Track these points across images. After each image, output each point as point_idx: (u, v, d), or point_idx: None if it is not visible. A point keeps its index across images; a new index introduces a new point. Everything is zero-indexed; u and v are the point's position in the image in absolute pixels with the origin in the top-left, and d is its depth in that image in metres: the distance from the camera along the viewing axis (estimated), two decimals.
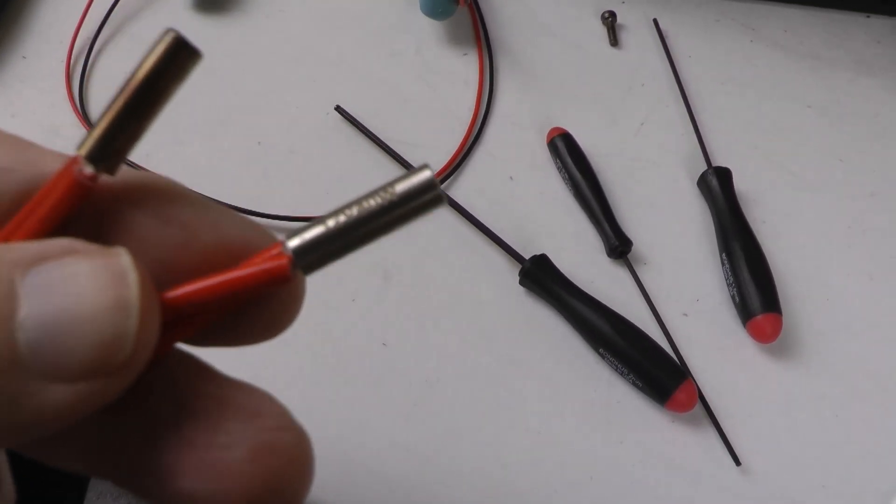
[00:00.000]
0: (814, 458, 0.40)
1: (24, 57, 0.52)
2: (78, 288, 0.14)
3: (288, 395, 0.40)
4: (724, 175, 0.46)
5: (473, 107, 0.50)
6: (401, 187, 0.16)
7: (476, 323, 0.43)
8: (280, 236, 0.17)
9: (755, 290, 0.42)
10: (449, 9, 0.51)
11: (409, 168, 0.46)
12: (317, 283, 0.44)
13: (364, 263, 0.44)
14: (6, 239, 0.16)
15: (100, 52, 0.53)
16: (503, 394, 0.41)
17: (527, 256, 0.43)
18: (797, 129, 0.51)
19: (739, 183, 0.47)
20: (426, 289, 0.44)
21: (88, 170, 0.16)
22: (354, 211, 0.16)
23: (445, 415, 0.41)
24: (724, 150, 0.49)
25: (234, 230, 0.18)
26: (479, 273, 0.44)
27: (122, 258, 0.15)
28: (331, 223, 0.16)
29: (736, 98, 0.52)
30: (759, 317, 0.42)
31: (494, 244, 0.44)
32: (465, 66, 0.52)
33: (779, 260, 0.45)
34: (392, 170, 0.47)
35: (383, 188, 0.16)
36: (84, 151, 0.16)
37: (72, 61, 0.52)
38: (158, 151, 0.47)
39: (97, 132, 0.16)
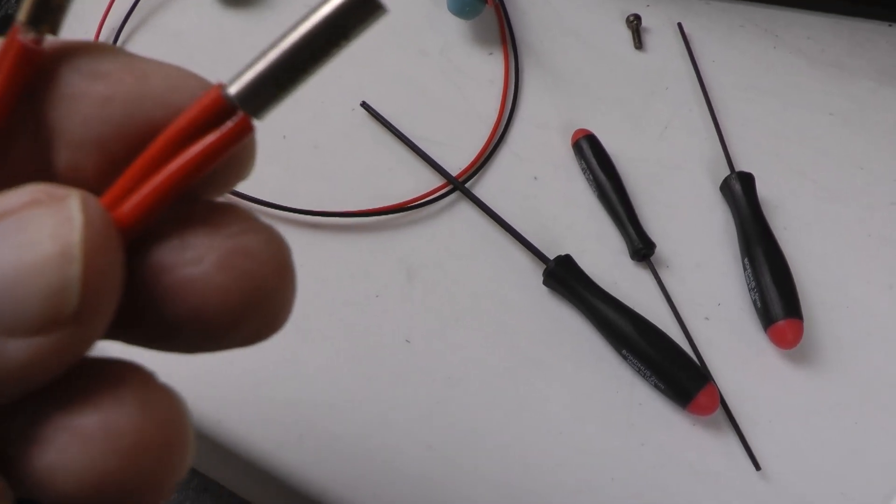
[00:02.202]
0: (833, 465, 0.41)
1: None
2: (26, 239, 0.14)
3: (311, 391, 0.41)
4: (747, 180, 0.47)
5: (498, 106, 0.50)
6: (333, 3, 0.14)
7: (499, 322, 0.43)
8: (217, 81, 0.16)
9: (777, 296, 0.43)
10: (476, 8, 0.51)
11: (433, 164, 0.46)
12: (340, 280, 0.44)
13: (389, 261, 0.45)
14: None
15: (125, 43, 0.53)
16: (525, 393, 0.41)
17: (551, 257, 0.43)
18: (819, 137, 0.51)
19: (762, 189, 0.47)
20: (450, 287, 0.44)
21: (31, 34, 0.16)
22: (291, 39, 0.15)
23: (467, 413, 0.41)
24: (746, 156, 0.50)
25: (159, 78, 0.17)
26: (503, 272, 0.45)
27: (69, 201, 0.14)
28: (268, 58, 0.15)
29: (759, 104, 0.52)
30: (781, 322, 0.42)
31: (518, 244, 0.45)
32: (490, 66, 0.52)
33: (800, 266, 0.45)
34: (416, 166, 0.48)
35: (316, 8, 0.14)
36: (24, 17, 0.16)
37: None
38: None
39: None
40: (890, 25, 0.57)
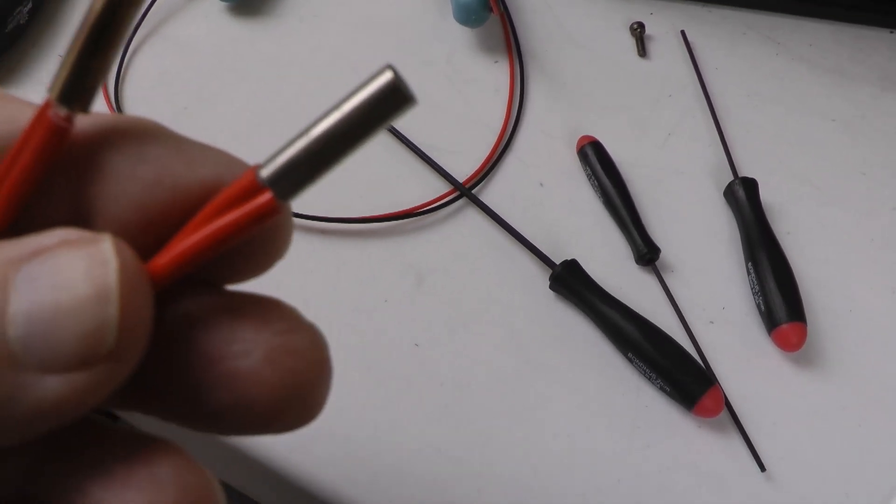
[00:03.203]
0: (838, 467, 0.41)
1: (59, 55, 0.53)
2: (61, 280, 0.14)
3: None
4: (750, 186, 0.47)
5: (504, 114, 0.51)
6: (364, 94, 0.15)
7: (506, 326, 0.44)
8: (253, 163, 0.16)
9: (780, 300, 0.43)
10: (482, 16, 0.51)
11: (440, 170, 0.47)
12: (350, 285, 0.45)
13: (397, 266, 0.45)
14: None
15: (135, 52, 0.53)
16: (533, 397, 0.42)
17: (557, 261, 0.44)
18: (821, 143, 0.52)
19: (765, 194, 0.47)
20: (458, 292, 0.45)
21: (62, 111, 0.16)
22: (323, 126, 0.15)
23: (476, 416, 0.41)
24: (749, 162, 0.50)
25: (207, 164, 0.17)
26: (510, 277, 0.45)
27: (103, 245, 0.15)
28: (300, 144, 0.15)
29: (761, 110, 0.53)
30: (785, 326, 0.42)
31: (525, 249, 0.45)
32: (496, 74, 0.53)
33: (803, 271, 0.46)
34: (423, 173, 0.48)
35: (347, 97, 0.15)
36: (55, 94, 0.16)
37: None
38: None
39: (64, 72, 0.16)
40: (891, 32, 0.57)
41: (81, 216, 0.17)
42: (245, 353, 0.16)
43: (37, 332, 0.14)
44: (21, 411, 0.14)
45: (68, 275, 0.14)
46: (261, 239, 0.18)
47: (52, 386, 0.14)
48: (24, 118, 0.16)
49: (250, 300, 0.17)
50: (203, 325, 0.17)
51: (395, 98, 0.15)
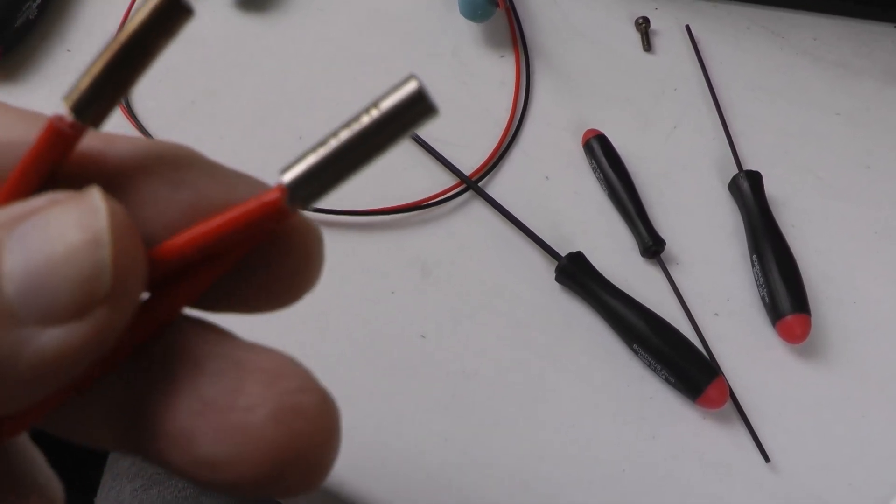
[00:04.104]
0: (841, 457, 0.41)
1: (68, 50, 0.53)
2: (53, 232, 0.14)
3: (329, 384, 0.41)
4: (754, 178, 0.47)
5: (510, 107, 0.51)
6: (387, 103, 0.15)
7: (512, 317, 0.44)
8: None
9: (785, 292, 0.43)
10: (488, 11, 0.52)
11: (447, 164, 0.47)
12: (358, 277, 0.45)
13: (404, 258, 0.46)
14: None
15: None
16: (539, 387, 0.42)
17: (562, 254, 0.44)
18: (825, 136, 0.52)
19: (769, 187, 0.48)
20: (464, 283, 0.45)
21: (69, 119, 0.16)
22: (345, 134, 0.15)
23: (482, 406, 0.42)
24: (754, 155, 0.50)
25: (243, 189, 0.17)
26: (516, 269, 0.46)
27: (92, 195, 0.15)
28: (322, 151, 0.15)
29: (766, 104, 0.53)
30: (789, 317, 0.43)
31: (531, 241, 0.45)
32: (501, 68, 0.53)
33: (807, 263, 0.46)
34: (430, 166, 0.49)
35: (370, 106, 0.15)
36: (70, 102, 0.16)
37: None
38: (201, 146, 0.48)
39: (83, 84, 0.16)
40: (894, 26, 0.58)
41: None
42: (251, 407, 0.16)
43: (33, 284, 0.14)
44: (24, 367, 0.14)
45: (60, 226, 0.14)
46: (289, 265, 0.18)
47: (53, 338, 0.14)
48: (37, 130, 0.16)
49: (263, 353, 0.17)
50: (210, 373, 0.16)
51: (418, 108, 0.15)
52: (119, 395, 0.17)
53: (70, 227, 0.14)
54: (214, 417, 0.16)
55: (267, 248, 0.18)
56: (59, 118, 0.16)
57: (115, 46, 0.15)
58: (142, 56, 0.16)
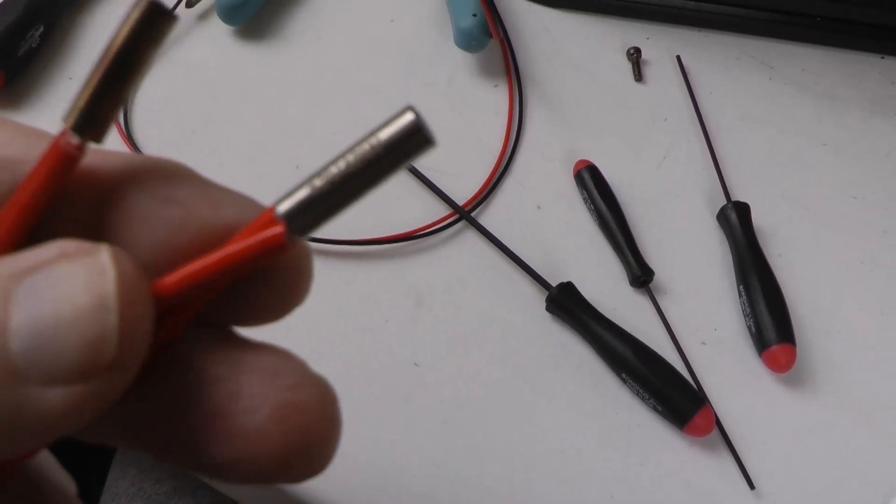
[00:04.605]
0: (825, 485, 0.42)
1: (70, 78, 0.54)
2: (61, 291, 0.14)
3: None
4: (742, 210, 0.48)
5: (503, 137, 0.52)
6: (384, 134, 0.15)
7: (504, 346, 0.45)
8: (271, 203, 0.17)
9: (771, 322, 0.44)
10: (482, 42, 0.53)
11: (440, 193, 0.48)
12: (352, 305, 0.46)
13: (398, 287, 0.46)
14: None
15: (144, 75, 0.55)
16: (529, 415, 0.43)
17: (553, 283, 0.45)
18: (813, 166, 0.53)
19: (757, 216, 0.49)
20: (457, 312, 0.46)
21: (74, 140, 0.16)
22: (342, 165, 0.15)
23: (473, 433, 0.43)
24: (742, 185, 0.51)
25: (232, 208, 0.17)
26: (508, 298, 0.46)
27: (101, 255, 0.14)
28: (318, 182, 0.15)
29: (755, 134, 0.54)
30: (775, 347, 0.44)
31: (522, 271, 0.46)
32: (495, 98, 0.55)
33: (794, 293, 0.47)
34: (424, 196, 0.50)
35: (367, 137, 0.15)
36: (70, 123, 0.16)
37: None
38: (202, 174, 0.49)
39: (81, 102, 0.16)
40: (882, 58, 0.59)
41: None
42: (251, 409, 0.16)
43: (38, 344, 0.14)
44: (25, 423, 0.14)
45: (68, 286, 0.14)
46: (280, 282, 0.18)
47: (56, 397, 0.14)
48: (41, 149, 0.17)
49: (258, 350, 0.17)
50: (208, 378, 0.17)
51: (416, 139, 0.15)
52: (129, 406, 0.17)
53: (78, 288, 0.14)
54: (219, 423, 0.16)
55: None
56: (64, 138, 0.16)
57: (106, 61, 0.16)
58: (132, 67, 0.16)
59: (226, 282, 0.17)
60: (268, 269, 0.18)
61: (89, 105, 0.16)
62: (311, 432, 0.17)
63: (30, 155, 0.17)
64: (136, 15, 0.16)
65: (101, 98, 0.16)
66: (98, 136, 0.16)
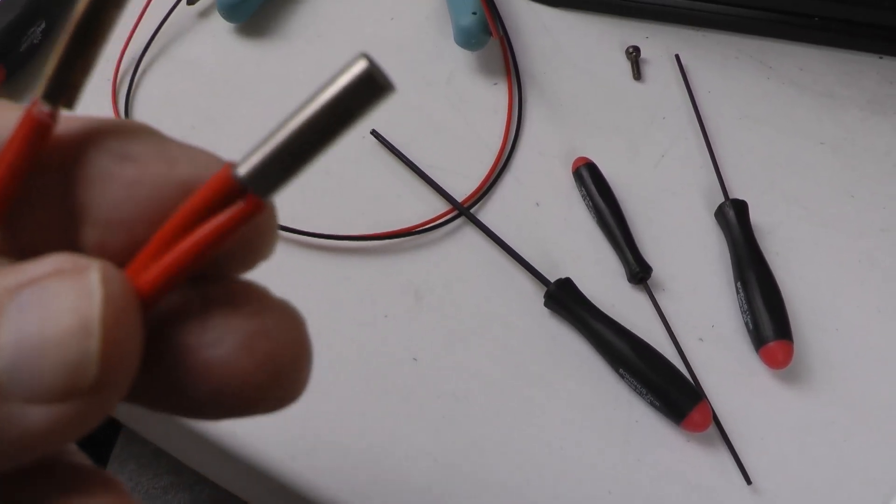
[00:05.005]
0: (822, 481, 0.42)
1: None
2: (48, 310, 0.14)
3: (323, 406, 0.43)
4: (740, 207, 0.49)
5: (502, 135, 0.53)
6: (339, 84, 0.14)
7: (502, 341, 0.45)
8: (227, 160, 0.17)
9: (768, 318, 0.44)
10: (482, 40, 0.53)
11: (439, 190, 0.49)
12: (351, 301, 0.46)
13: (397, 283, 0.47)
14: None
15: (144, 72, 0.55)
16: (527, 410, 0.43)
17: (551, 279, 0.45)
18: (811, 165, 0.54)
19: (755, 214, 0.49)
20: (455, 308, 0.46)
21: (46, 108, 0.16)
22: (299, 119, 0.15)
23: (471, 428, 0.43)
24: (740, 183, 0.52)
25: (188, 163, 0.17)
26: (506, 294, 0.47)
27: (90, 275, 0.14)
28: (276, 139, 0.15)
29: (753, 133, 0.55)
30: (772, 344, 0.44)
31: (521, 267, 0.47)
32: (494, 96, 0.55)
33: (791, 290, 0.47)
34: (423, 192, 0.50)
35: (322, 89, 0.14)
36: (41, 92, 0.16)
37: (118, 81, 0.54)
38: None
39: (50, 71, 0.16)
40: (880, 57, 0.59)
41: (70, 214, 0.17)
42: (217, 341, 0.16)
43: (22, 362, 0.14)
44: (6, 440, 0.14)
45: (56, 306, 0.14)
46: (246, 239, 0.18)
47: (37, 416, 0.14)
48: (14, 121, 0.17)
49: (222, 286, 0.17)
50: (176, 317, 0.16)
51: (371, 87, 0.14)
52: None
53: (64, 308, 0.14)
54: (188, 359, 0.16)
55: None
56: (36, 107, 0.16)
57: (71, 28, 0.16)
58: (95, 32, 0.16)
59: (205, 261, 0.17)
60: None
61: (58, 72, 0.16)
62: (281, 356, 0.17)
63: (2, 126, 0.17)
64: None
65: (69, 64, 0.16)
66: (68, 102, 0.17)
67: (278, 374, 0.17)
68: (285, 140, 0.15)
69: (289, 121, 0.15)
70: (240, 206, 0.16)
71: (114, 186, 0.17)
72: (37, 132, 0.16)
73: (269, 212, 0.18)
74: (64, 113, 0.17)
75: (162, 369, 0.16)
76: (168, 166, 0.17)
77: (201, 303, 0.17)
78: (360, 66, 0.14)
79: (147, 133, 0.18)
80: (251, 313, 0.17)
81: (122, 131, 0.17)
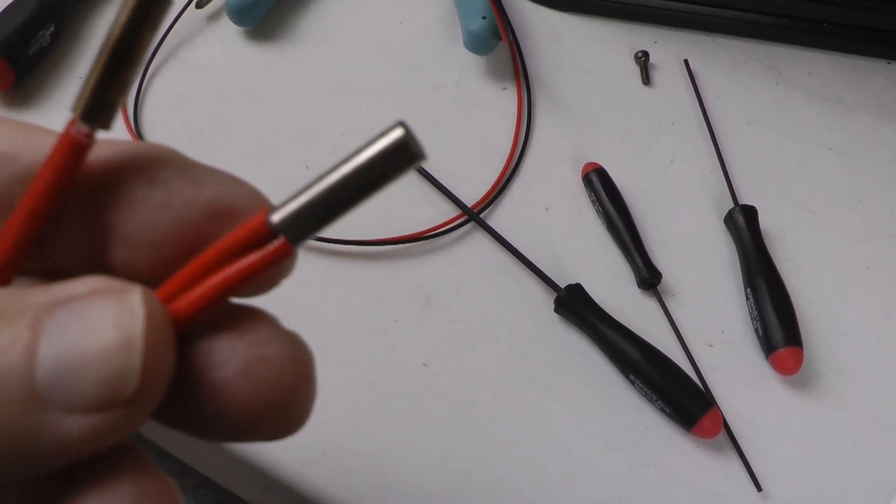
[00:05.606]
0: (832, 487, 0.42)
1: (80, 77, 0.55)
2: (90, 326, 0.15)
3: (333, 411, 0.43)
4: (750, 213, 0.49)
5: (511, 140, 0.53)
6: (376, 147, 0.15)
7: (512, 347, 0.45)
8: (265, 204, 0.18)
9: (778, 324, 0.44)
10: (491, 44, 0.53)
11: (449, 195, 0.49)
12: (361, 306, 0.46)
13: (407, 288, 0.47)
14: (18, 216, 0.17)
15: (153, 75, 0.55)
16: (536, 416, 0.43)
17: (561, 285, 0.45)
18: (819, 171, 0.54)
19: (764, 220, 0.49)
20: (465, 313, 0.46)
21: (83, 128, 0.17)
22: (334, 177, 0.16)
23: (481, 434, 0.43)
24: (749, 189, 0.52)
25: (213, 186, 0.18)
26: (516, 299, 0.47)
27: (132, 296, 0.15)
28: (312, 191, 0.16)
29: (761, 138, 0.55)
30: (782, 350, 0.44)
31: (530, 272, 0.47)
32: (503, 101, 0.55)
33: (800, 296, 0.47)
34: (433, 197, 0.50)
35: (361, 149, 0.16)
36: (78, 112, 0.17)
37: None
38: None
39: (86, 91, 0.17)
40: (889, 63, 0.59)
41: (99, 235, 0.18)
42: (220, 364, 0.17)
43: (62, 373, 0.15)
44: (43, 447, 0.15)
45: (97, 322, 0.15)
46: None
47: (74, 424, 0.15)
48: (48, 146, 0.17)
49: (234, 310, 0.18)
50: (193, 338, 0.17)
51: (405, 154, 0.15)
52: None
53: (107, 325, 0.15)
54: (194, 381, 0.17)
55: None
56: (73, 127, 0.17)
57: (107, 49, 0.16)
58: (132, 52, 0.17)
59: (234, 294, 0.17)
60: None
61: (95, 93, 0.17)
62: (279, 387, 0.17)
63: (24, 149, 0.18)
64: (132, 2, 0.16)
65: (106, 85, 0.17)
66: (105, 124, 0.17)
67: (277, 404, 0.17)
68: (319, 195, 0.16)
69: (324, 176, 0.16)
70: (270, 250, 0.16)
71: (143, 209, 0.18)
72: (74, 153, 0.17)
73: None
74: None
75: (173, 386, 0.17)
76: (194, 189, 0.18)
77: (213, 326, 0.17)
78: (397, 134, 0.15)
79: (174, 157, 0.18)
80: (257, 341, 0.17)
81: (150, 156, 0.18)
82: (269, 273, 0.17)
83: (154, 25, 0.17)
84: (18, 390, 0.15)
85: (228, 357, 0.17)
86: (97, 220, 0.18)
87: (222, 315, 0.17)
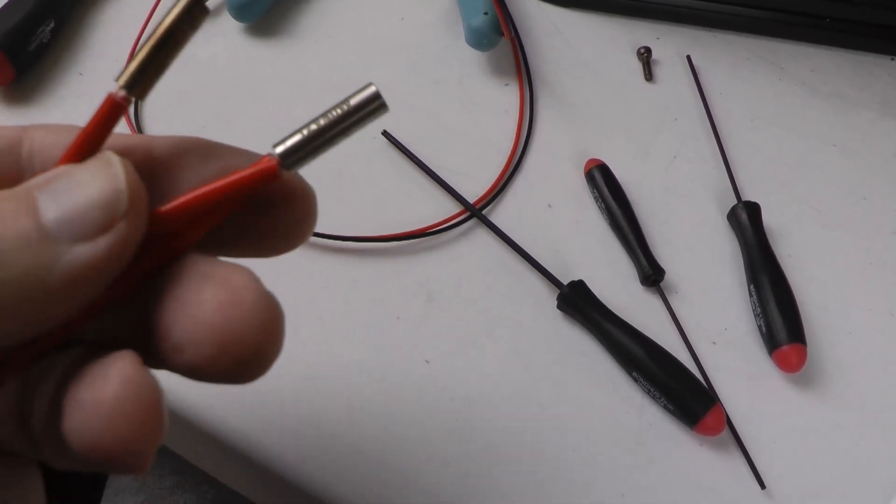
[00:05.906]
0: (836, 485, 0.42)
1: (80, 73, 0.54)
2: (79, 176, 0.19)
3: (335, 408, 0.43)
4: (753, 209, 0.48)
5: (514, 136, 0.52)
6: (354, 100, 0.21)
7: (514, 344, 0.45)
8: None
9: (781, 321, 0.44)
10: (493, 41, 0.53)
11: (451, 191, 0.48)
12: (363, 302, 0.46)
13: (409, 284, 0.47)
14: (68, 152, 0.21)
15: None
16: (539, 413, 0.43)
17: (564, 282, 0.45)
18: (822, 167, 0.53)
19: (767, 217, 0.49)
20: (468, 310, 0.46)
21: (122, 93, 0.20)
22: (322, 120, 0.21)
23: (483, 431, 0.43)
24: (752, 185, 0.52)
25: (240, 158, 0.23)
26: (519, 296, 0.47)
27: (105, 152, 0.20)
28: (305, 130, 0.21)
29: (764, 134, 0.54)
30: (785, 347, 0.44)
31: (533, 269, 0.46)
32: (506, 97, 0.55)
33: (804, 293, 0.47)
34: (435, 193, 0.50)
35: (341, 102, 0.21)
36: (122, 81, 0.20)
37: None
38: None
39: (132, 67, 0.20)
40: (892, 59, 0.59)
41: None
42: (204, 301, 0.20)
43: (65, 211, 0.18)
44: (56, 279, 0.18)
45: (83, 172, 0.19)
46: (291, 215, 0.23)
47: (83, 252, 0.18)
48: (70, 138, 0.21)
49: (224, 265, 0.21)
50: (187, 284, 0.20)
51: (379, 103, 0.21)
52: (129, 309, 0.21)
53: (92, 169, 0.19)
54: (181, 311, 0.20)
55: (273, 203, 0.22)
56: (117, 91, 0.20)
57: (156, 37, 0.20)
58: (173, 44, 0.20)
59: (227, 209, 0.21)
60: (280, 205, 0.23)
61: (138, 69, 0.20)
62: (247, 325, 0.19)
63: (23, 136, 0.21)
64: (181, 5, 0.20)
65: (148, 65, 0.20)
66: (141, 94, 0.21)
67: (242, 339, 0.19)
68: (311, 133, 0.21)
69: (315, 121, 0.21)
70: (259, 165, 0.21)
71: (204, 174, 0.22)
72: (114, 110, 0.20)
73: (309, 201, 0.23)
74: (151, 135, 0.22)
75: (162, 318, 0.20)
76: (245, 159, 0.23)
77: (208, 276, 0.20)
78: (371, 89, 0.21)
79: (222, 143, 0.23)
80: (235, 287, 0.20)
81: (204, 142, 0.23)
82: (258, 186, 0.21)
83: (195, 27, 0.21)
84: (32, 233, 0.18)
85: (210, 297, 0.19)
86: (166, 191, 0.22)
87: (214, 270, 0.20)
